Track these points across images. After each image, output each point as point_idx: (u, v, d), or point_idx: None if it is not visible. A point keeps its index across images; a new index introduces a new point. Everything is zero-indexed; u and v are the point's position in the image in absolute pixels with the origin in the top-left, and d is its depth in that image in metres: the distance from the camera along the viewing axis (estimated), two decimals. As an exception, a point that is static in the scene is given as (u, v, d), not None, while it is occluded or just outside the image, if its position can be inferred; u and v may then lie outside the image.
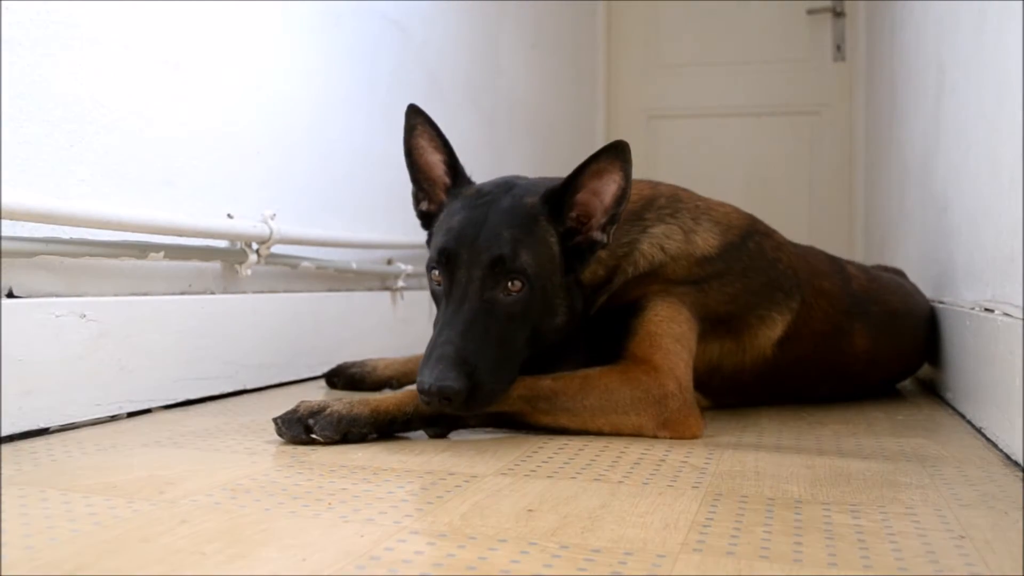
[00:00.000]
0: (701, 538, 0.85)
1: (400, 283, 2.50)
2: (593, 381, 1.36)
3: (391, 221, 2.49)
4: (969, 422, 1.56)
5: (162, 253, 1.59)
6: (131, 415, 1.51)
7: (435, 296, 1.40)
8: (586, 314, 1.48)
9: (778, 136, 4.50)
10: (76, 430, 1.38)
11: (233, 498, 0.98)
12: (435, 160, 1.46)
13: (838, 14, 4.37)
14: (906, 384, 2.13)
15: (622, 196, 1.37)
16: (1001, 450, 1.31)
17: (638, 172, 1.38)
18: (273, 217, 1.88)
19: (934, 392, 1.98)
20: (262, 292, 1.93)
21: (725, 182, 4.19)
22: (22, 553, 0.79)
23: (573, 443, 1.31)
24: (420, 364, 1.28)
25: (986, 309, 1.50)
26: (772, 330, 1.60)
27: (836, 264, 1.81)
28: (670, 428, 1.36)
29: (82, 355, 1.41)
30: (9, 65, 1.32)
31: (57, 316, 1.37)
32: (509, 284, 1.32)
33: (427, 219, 1.51)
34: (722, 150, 4.54)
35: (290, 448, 1.26)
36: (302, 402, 1.31)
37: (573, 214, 1.40)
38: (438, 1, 2.83)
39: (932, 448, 1.33)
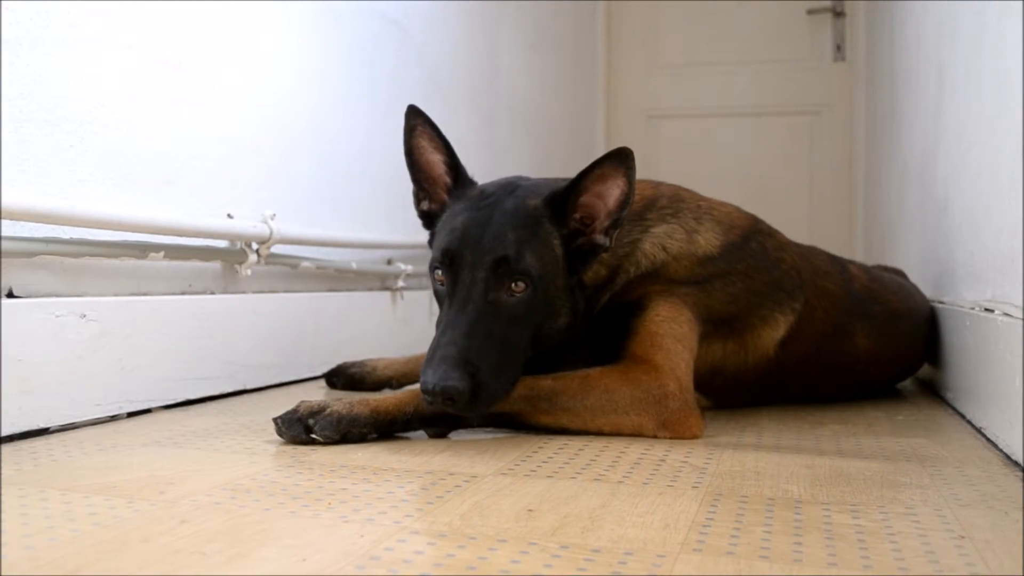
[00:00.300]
0: (701, 538, 0.85)
1: (400, 283, 2.50)
2: (593, 381, 1.36)
3: (391, 221, 2.49)
4: (969, 422, 1.56)
5: (162, 253, 1.59)
6: (131, 415, 1.51)
7: (438, 296, 1.40)
8: (589, 314, 1.48)
9: (778, 136, 4.50)
10: (76, 430, 1.38)
11: (233, 498, 0.98)
12: (436, 160, 1.46)
13: (838, 14, 4.37)
14: (906, 384, 2.13)
15: (625, 201, 1.37)
16: (1001, 450, 1.31)
17: (638, 172, 1.38)
18: (273, 217, 1.88)
19: (934, 392, 1.98)
20: (262, 292, 1.93)
21: (725, 182, 4.19)
22: (22, 553, 0.79)
23: (573, 443, 1.31)
24: (423, 364, 1.28)
25: (986, 309, 1.50)
26: (775, 330, 1.60)
27: (838, 264, 1.81)
28: (670, 428, 1.36)
29: (82, 355, 1.41)
30: (9, 65, 1.32)
31: (57, 316, 1.37)
32: (513, 285, 1.32)
33: (428, 219, 1.51)
34: (722, 150, 4.54)
35: (290, 448, 1.26)
36: (302, 402, 1.31)
37: (576, 216, 1.40)
38: (438, 1, 2.83)
39: (932, 448, 1.33)
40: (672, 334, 1.43)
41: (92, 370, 1.43)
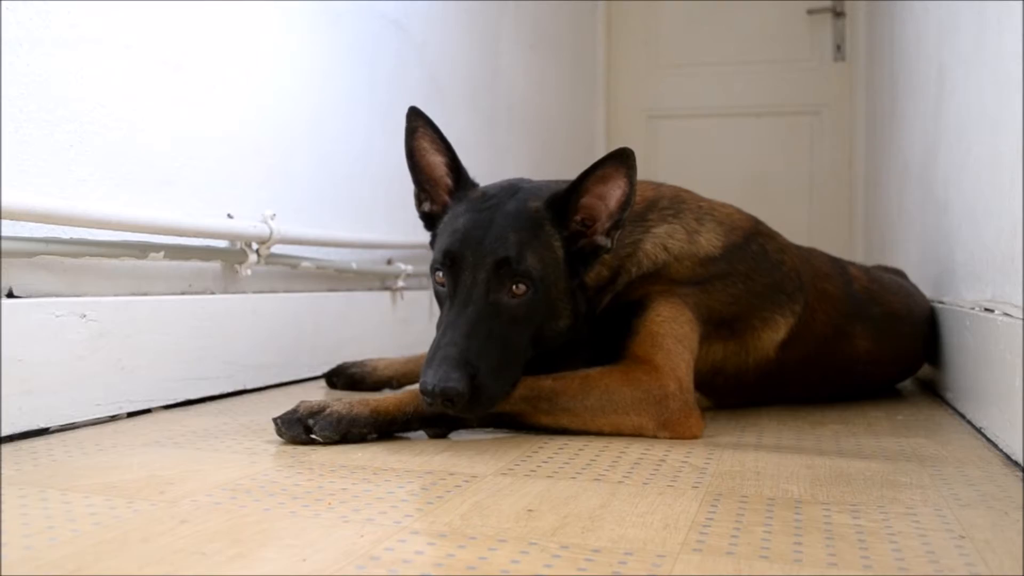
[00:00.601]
0: (701, 538, 0.85)
1: (400, 283, 2.50)
2: (594, 381, 1.36)
3: (391, 221, 2.49)
4: (969, 422, 1.56)
5: (162, 253, 1.59)
6: (131, 415, 1.51)
7: (439, 297, 1.40)
8: (591, 315, 1.48)
9: (778, 136, 4.50)
10: (76, 430, 1.38)
11: (233, 498, 0.98)
12: (437, 161, 1.46)
13: (838, 14, 4.37)
14: (906, 384, 2.13)
15: (626, 202, 1.37)
16: (1001, 450, 1.31)
17: (638, 173, 1.38)
18: (273, 217, 1.88)
19: (934, 392, 1.98)
20: (262, 292, 1.93)
21: (725, 182, 4.19)
22: (22, 553, 0.79)
23: (573, 443, 1.31)
24: (423, 365, 1.28)
25: (986, 309, 1.50)
26: (775, 332, 1.60)
27: (838, 266, 1.81)
28: (670, 428, 1.36)
29: (82, 355, 1.41)
30: (9, 65, 1.32)
31: (57, 316, 1.37)
32: (514, 287, 1.32)
33: (430, 220, 1.51)
34: (722, 150, 4.54)
35: (290, 448, 1.26)
36: (302, 402, 1.31)
37: (578, 218, 1.40)
38: (438, 1, 2.83)
39: (932, 448, 1.33)
40: (673, 334, 1.43)
41: (92, 370, 1.43)
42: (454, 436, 1.36)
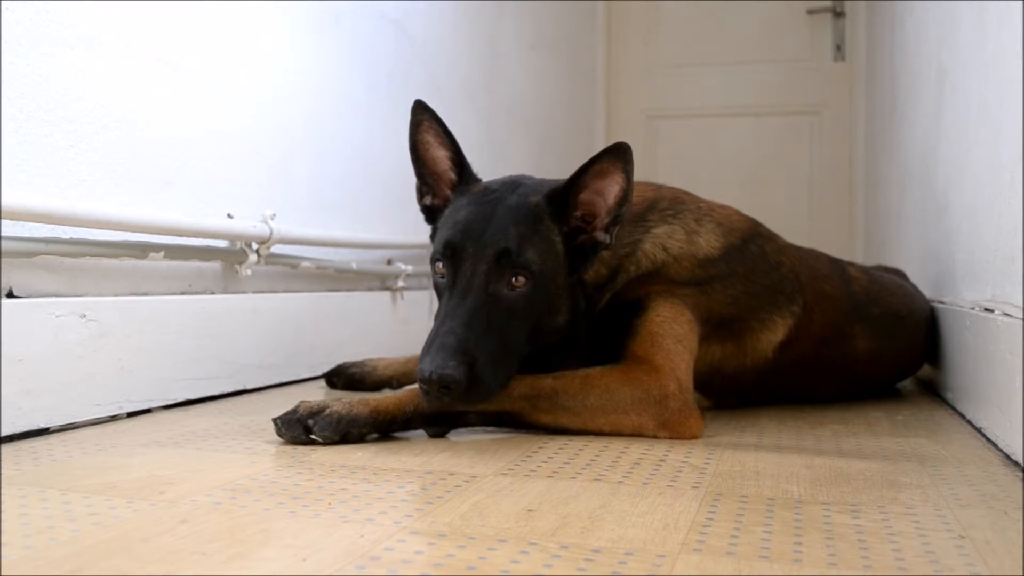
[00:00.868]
0: (701, 538, 0.85)
1: (400, 283, 2.50)
2: (594, 380, 1.37)
3: (391, 221, 2.49)
4: (969, 422, 1.56)
5: (162, 253, 1.59)
6: (131, 415, 1.51)
7: (437, 288, 1.40)
8: (589, 313, 1.48)
9: (778, 136, 4.50)
10: (76, 430, 1.38)
11: (233, 498, 0.98)
12: (440, 155, 1.46)
13: (838, 14, 4.37)
14: (906, 384, 2.13)
15: (624, 197, 1.37)
16: (1001, 450, 1.31)
17: (638, 173, 1.39)
18: (273, 217, 1.88)
19: (934, 392, 1.98)
20: (262, 292, 1.93)
21: (725, 182, 4.20)
22: (22, 553, 0.79)
23: (573, 443, 1.31)
24: (421, 352, 1.28)
25: (986, 309, 1.50)
26: (774, 333, 1.61)
27: (837, 266, 1.81)
28: (670, 428, 1.36)
29: (82, 355, 1.41)
30: (9, 65, 1.32)
31: (57, 316, 1.37)
32: (513, 279, 1.33)
33: (431, 213, 1.51)
34: (722, 150, 4.54)
35: (290, 448, 1.26)
36: (302, 402, 1.31)
37: (577, 214, 1.40)
38: (438, 1, 2.83)
39: (932, 448, 1.33)
40: (672, 334, 1.43)
41: (92, 370, 1.43)
42: (453, 436, 1.36)
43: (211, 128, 1.77)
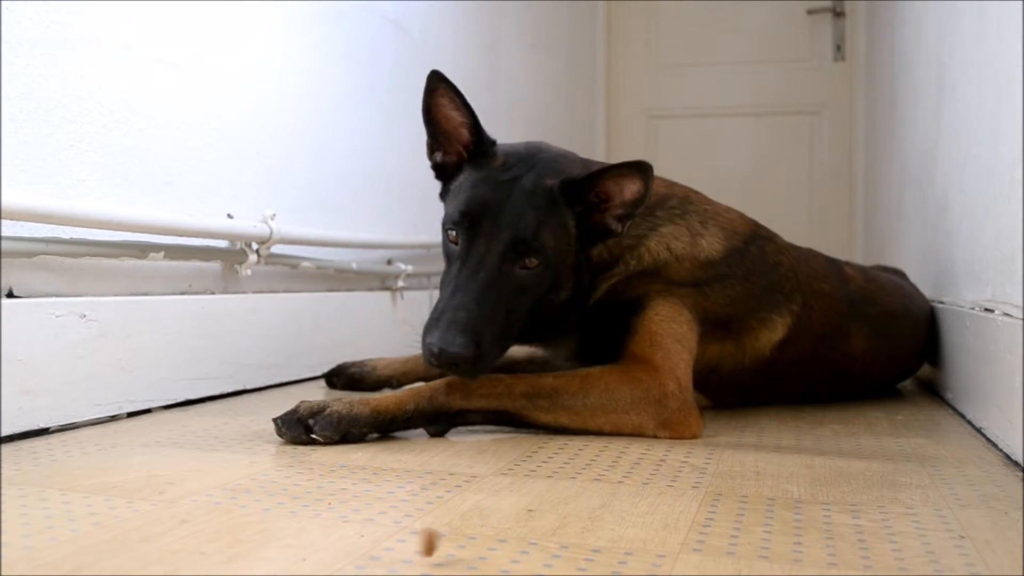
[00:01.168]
0: (701, 538, 0.85)
1: (400, 283, 2.50)
2: (594, 380, 1.37)
3: (391, 221, 2.49)
4: (969, 422, 1.56)
5: (162, 253, 1.59)
6: (131, 415, 1.51)
7: (447, 253, 1.41)
8: (590, 289, 1.50)
9: (778, 136, 4.50)
10: (76, 430, 1.38)
11: (233, 498, 0.98)
12: (452, 115, 1.46)
13: (838, 14, 4.37)
14: (906, 384, 2.13)
15: (640, 199, 1.39)
16: (1001, 450, 1.31)
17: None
18: (273, 217, 1.88)
19: (934, 392, 1.98)
20: (262, 292, 1.93)
21: (725, 182, 4.19)
22: (22, 553, 0.79)
23: (573, 443, 1.31)
24: (427, 324, 1.29)
25: (986, 309, 1.50)
26: (772, 332, 1.61)
27: (834, 266, 1.82)
28: (670, 428, 1.36)
29: (82, 355, 1.41)
30: (9, 65, 1.32)
31: (57, 316, 1.37)
32: (527, 261, 1.34)
33: (441, 171, 1.51)
34: (722, 150, 4.54)
35: (290, 448, 1.26)
36: (302, 402, 1.31)
37: (593, 197, 1.41)
38: (438, 1, 2.83)
39: (932, 448, 1.33)
40: (672, 334, 1.44)
41: (92, 370, 1.43)
42: (453, 436, 1.36)
43: (211, 128, 1.77)
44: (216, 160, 1.79)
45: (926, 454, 1.28)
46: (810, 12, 4.42)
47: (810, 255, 1.79)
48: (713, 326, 1.54)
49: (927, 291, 2.12)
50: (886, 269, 2.23)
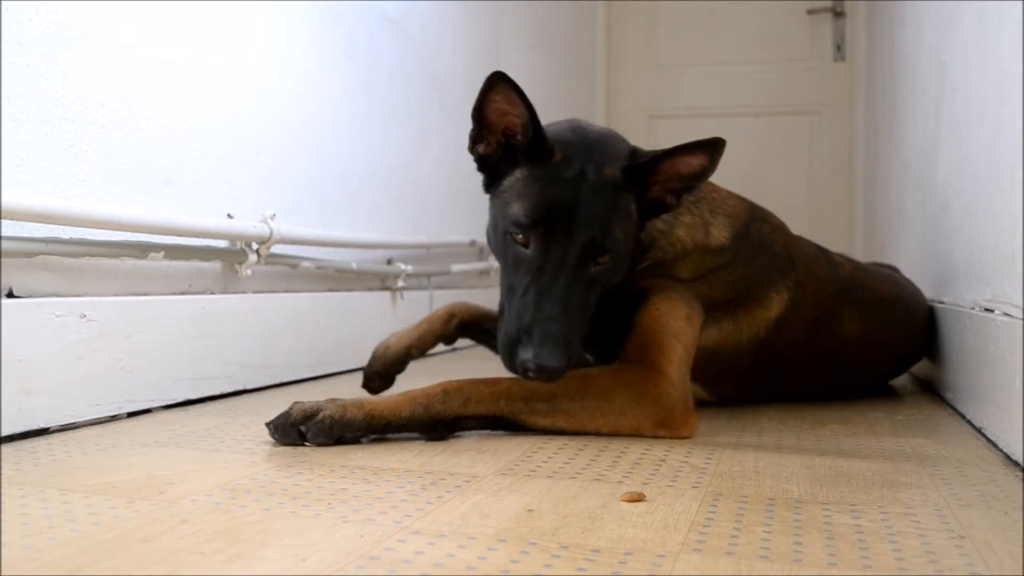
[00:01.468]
0: (701, 538, 0.85)
1: (400, 283, 2.50)
2: (591, 382, 1.37)
3: (391, 221, 2.49)
4: (969, 422, 1.56)
5: (162, 253, 1.59)
6: (131, 415, 1.51)
7: (511, 256, 1.36)
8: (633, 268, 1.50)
9: (778, 136, 4.50)
10: (76, 430, 1.38)
11: (233, 498, 0.98)
12: (505, 109, 1.43)
13: (838, 14, 4.37)
14: (906, 384, 2.13)
15: (701, 174, 1.39)
16: (1001, 450, 1.31)
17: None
18: (273, 217, 1.88)
19: (934, 392, 1.98)
20: (262, 292, 1.93)
21: (725, 182, 4.14)
22: (22, 553, 0.79)
23: (573, 443, 1.31)
24: (510, 335, 1.27)
25: (986, 309, 1.50)
26: (768, 311, 1.63)
27: (823, 252, 1.85)
28: (667, 427, 1.36)
29: (82, 355, 1.41)
30: (9, 65, 1.32)
31: (57, 316, 1.37)
32: (600, 259, 1.34)
33: (483, 163, 1.48)
34: (722, 150, 4.53)
35: (290, 448, 1.26)
36: (295, 404, 1.29)
37: (651, 177, 1.41)
38: (438, 1, 2.83)
39: (932, 448, 1.33)
40: (669, 330, 1.44)
41: (92, 370, 1.43)
42: (452, 435, 1.36)
43: (211, 128, 1.77)
44: (216, 160, 1.79)
45: (926, 454, 1.28)
46: (810, 12, 4.42)
47: (801, 239, 1.81)
48: (715, 310, 1.56)
49: (927, 291, 2.12)
50: (881, 265, 2.24)
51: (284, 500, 0.97)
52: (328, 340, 2.12)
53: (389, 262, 2.50)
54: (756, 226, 1.65)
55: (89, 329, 1.42)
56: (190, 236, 1.66)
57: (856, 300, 1.79)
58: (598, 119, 4.68)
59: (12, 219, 1.29)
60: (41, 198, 1.34)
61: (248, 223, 1.81)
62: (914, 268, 2.37)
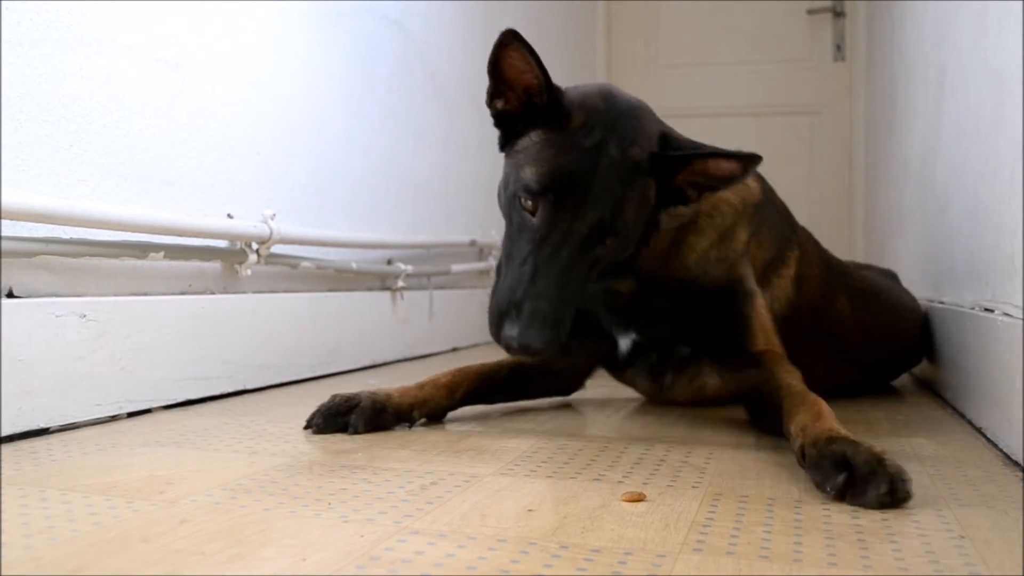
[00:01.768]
0: (701, 538, 0.85)
1: (400, 283, 2.50)
2: (805, 397, 1.32)
3: (391, 221, 2.49)
4: (969, 422, 1.56)
5: (162, 253, 1.59)
6: (131, 415, 1.51)
7: (517, 219, 1.32)
8: (639, 250, 1.44)
9: (778, 136, 4.50)
10: (76, 430, 1.38)
11: (233, 498, 0.98)
12: (521, 67, 1.40)
13: (838, 14, 4.37)
14: (906, 384, 2.13)
15: (730, 180, 1.35)
16: (1001, 450, 1.31)
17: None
18: (273, 217, 1.88)
19: (934, 392, 1.98)
20: (262, 292, 1.93)
21: (725, 182, 4.18)
22: (22, 553, 0.79)
23: (573, 443, 1.31)
24: (500, 306, 1.24)
25: (986, 309, 1.50)
26: (789, 267, 1.65)
27: (810, 236, 1.89)
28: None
29: (82, 355, 1.41)
30: (9, 65, 1.32)
31: (57, 316, 1.37)
32: (607, 240, 1.29)
33: (501, 118, 1.46)
34: (722, 150, 4.53)
35: (290, 448, 1.26)
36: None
37: (680, 172, 1.37)
38: (438, 1, 2.83)
39: (932, 448, 1.33)
40: (765, 315, 1.51)
41: (92, 370, 1.43)
42: (452, 435, 1.36)
43: (211, 128, 1.77)
44: (216, 160, 1.79)
45: (926, 454, 1.28)
46: (810, 12, 4.42)
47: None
48: (767, 271, 1.59)
49: (927, 291, 2.12)
50: (882, 271, 2.24)
51: (284, 500, 0.97)
52: (328, 340, 2.12)
53: (389, 262, 2.50)
54: (765, 181, 1.69)
55: (89, 329, 1.42)
56: (190, 236, 1.66)
57: (846, 287, 1.83)
58: (598, 119, 4.67)
59: (12, 219, 1.29)
60: (41, 198, 1.34)
61: (248, 223, 1.81)
62: (914, 268, 2.37)
